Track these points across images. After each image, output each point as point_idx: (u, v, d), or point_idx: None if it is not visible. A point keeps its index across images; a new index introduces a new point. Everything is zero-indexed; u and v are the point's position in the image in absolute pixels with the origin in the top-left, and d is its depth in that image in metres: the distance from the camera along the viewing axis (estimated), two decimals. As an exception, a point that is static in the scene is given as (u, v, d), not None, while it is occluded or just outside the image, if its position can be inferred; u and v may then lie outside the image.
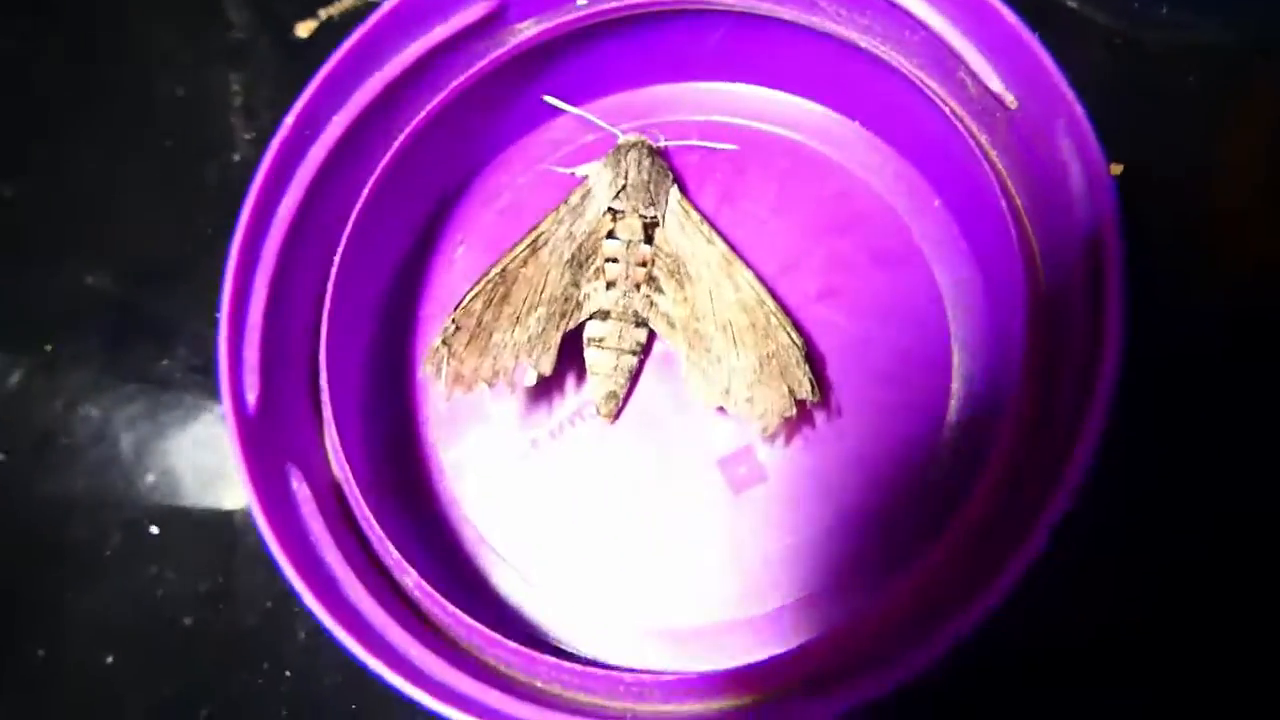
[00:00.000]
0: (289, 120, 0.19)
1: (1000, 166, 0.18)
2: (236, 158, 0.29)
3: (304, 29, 0.30)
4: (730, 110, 0.24)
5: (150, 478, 0.26)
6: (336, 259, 0.20)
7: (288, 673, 0.23)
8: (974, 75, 0.18)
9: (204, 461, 0.26)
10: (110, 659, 0.24)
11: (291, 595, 0.24)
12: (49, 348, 0.27)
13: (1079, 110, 0.16)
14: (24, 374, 0.27)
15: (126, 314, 0.27)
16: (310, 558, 0.17)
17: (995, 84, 0.17)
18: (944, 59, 0.18)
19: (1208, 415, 0.21)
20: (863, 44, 0.19)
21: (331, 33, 0.29)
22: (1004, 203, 0.17)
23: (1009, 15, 0.17)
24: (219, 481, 0.25)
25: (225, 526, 0.25)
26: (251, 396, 0.17)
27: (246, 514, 0.25)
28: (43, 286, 0.28)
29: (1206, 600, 0.20)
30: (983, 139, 0.18)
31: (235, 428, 0.17)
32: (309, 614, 0.23)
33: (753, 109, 0.24)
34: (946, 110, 0.18)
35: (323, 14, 0.30)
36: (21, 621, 0.25)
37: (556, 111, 0.24)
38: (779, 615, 0.20)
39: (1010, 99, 0.17)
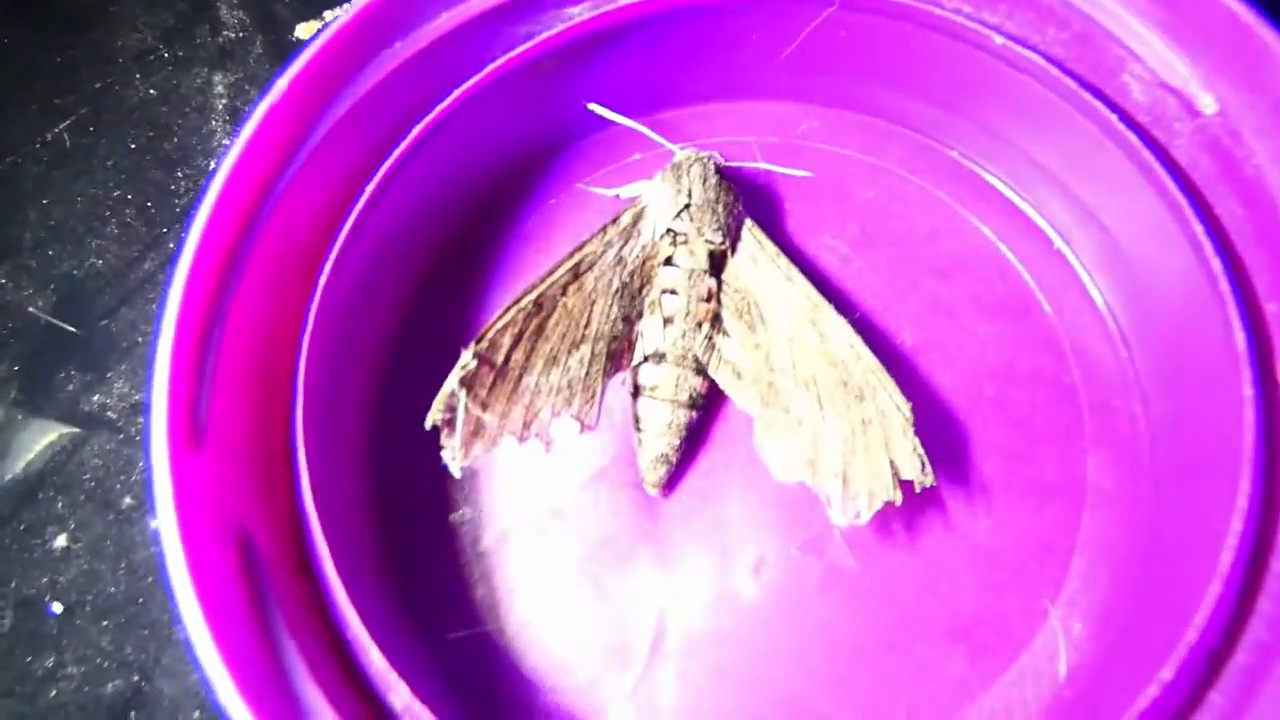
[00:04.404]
0: (265, 104, 0.15)
1: (1191, 187, 0.14)
2: (211, 165, 0.24)
3: (305, 30, 0.26)
4: (801, 132, 0.21)
5: (61, 541, 0.20)
6: (319, 286, 0.16)
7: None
8: (1152, 75, 0.14)
9: (132, 528, 0.20)
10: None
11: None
12: (-43, 374, 0.22)
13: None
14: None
15: (56, 338, 0.22)
16: (253, 658, 0.11)
17: (1187, 84, 0.14)
18: (1105, 58, 0.15)
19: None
20: (997, 40, 0.16)
21: (337, 34, 0.26)
22: (1199, 229, 0.13)
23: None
24: (149, 554, 0.20)
25: (151, 613, 0.19)
26: (195, 432, 0.12)
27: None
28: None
29: None
30: (1153, 155, 0.15)
31: (170, 468, 0.12)
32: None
33: (828, 132, 0.21)
34: (1107, 119, 0.15)
35: (328, 15, 0.26)
36: None
37: (593, 124, 0.20)
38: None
39: (1208, 101, 0.14)
